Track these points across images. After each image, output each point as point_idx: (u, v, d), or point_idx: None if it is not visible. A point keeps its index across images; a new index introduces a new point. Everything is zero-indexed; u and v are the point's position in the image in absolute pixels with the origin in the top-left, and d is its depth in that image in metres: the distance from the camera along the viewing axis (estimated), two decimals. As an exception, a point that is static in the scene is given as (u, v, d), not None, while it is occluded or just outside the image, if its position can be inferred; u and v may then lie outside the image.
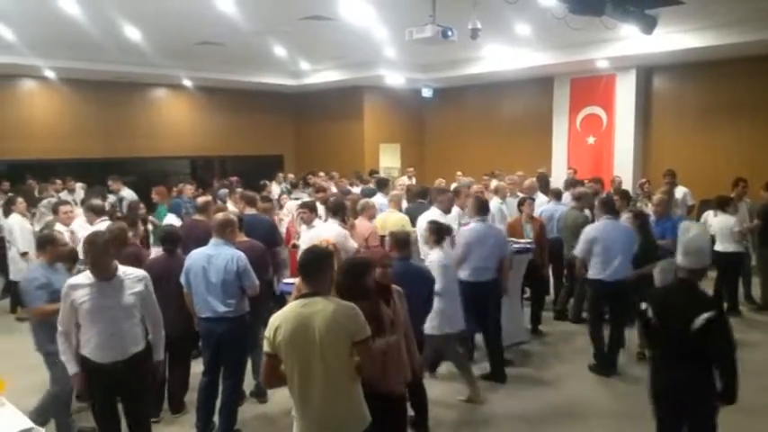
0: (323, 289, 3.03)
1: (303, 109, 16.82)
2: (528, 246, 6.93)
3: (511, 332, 6.50)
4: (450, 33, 7.55)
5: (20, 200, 8.35)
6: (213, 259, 4.66)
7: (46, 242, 4.64)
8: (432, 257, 5.17)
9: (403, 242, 4.72)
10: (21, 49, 9.84)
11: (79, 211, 7.67)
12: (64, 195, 10.33)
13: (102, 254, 3.81)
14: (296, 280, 5.25)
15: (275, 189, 12.24)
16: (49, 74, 12.27)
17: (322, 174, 12.70)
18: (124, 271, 3.89)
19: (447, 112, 15.96)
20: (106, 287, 3.78)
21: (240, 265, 4.67)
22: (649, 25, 8.36)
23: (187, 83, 14.30)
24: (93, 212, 6.68)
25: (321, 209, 7.31)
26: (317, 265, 3.07)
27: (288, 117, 17.01)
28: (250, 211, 6.78)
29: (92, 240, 3.88)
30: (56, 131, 13.01)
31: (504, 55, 12.39)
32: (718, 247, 7.45)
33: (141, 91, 14.25)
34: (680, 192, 9.49)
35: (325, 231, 5.86)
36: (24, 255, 7.72)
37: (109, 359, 3.76)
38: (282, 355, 2.93)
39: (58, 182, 11.20)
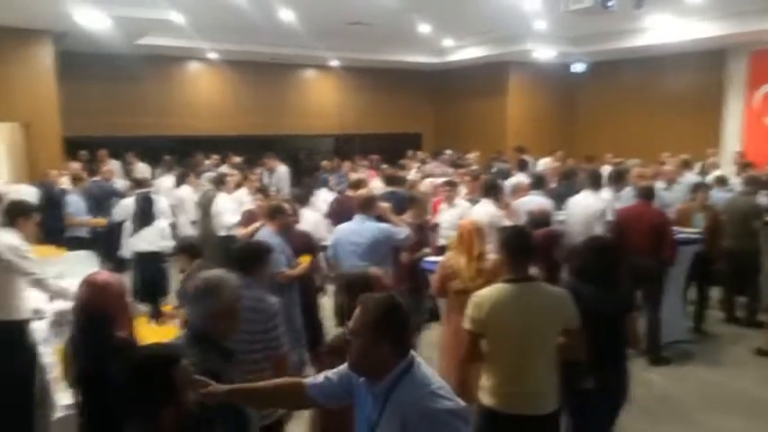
0: (530, 273, 3.07)
1: (444, 87, 16.63)
2: (694, 236, 6.27)
3: (670, 329, 5.98)
4: (610, 3, 7.02)
5: (193, 174, 9.10)
6: (359, 233, 4.83)
7: (276, 212, 4.81)
8: None
9: None
10: (189, 32, 10.60)
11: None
12: (223, 169, 11.05)
13: None
14: (438, 258, 5.24)
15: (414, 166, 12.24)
16: (213, 56, 13.18)
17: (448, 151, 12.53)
18: None
19: (599, 88, 14.95)
20: None
21: (385, 234, 4.85)
22: None
23: (334, 63, 14.70)
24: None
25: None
26: (527, 249, 3.09)
27: (428, 95, 16.94)
28: (389, 188, 6.94)
29: None
30: (216, 110, 13.99)
31: (668, 25, 11.29)
32: None
33: (293, 72, 14.89)
34: None
35: (476, 212, 5.73)
36: (194, 223, 8.31)
37: None
38: (491, 334, 3.00)
39: (216, 157, 12.01)
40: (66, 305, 4.16)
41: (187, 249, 4.52)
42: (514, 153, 12.17)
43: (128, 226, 6.77)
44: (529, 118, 15.23)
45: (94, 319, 2.63)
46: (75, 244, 6.69)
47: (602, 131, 14.66)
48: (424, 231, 5.91)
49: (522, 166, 9.29)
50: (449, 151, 12.74)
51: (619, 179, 6.86)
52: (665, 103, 13.59)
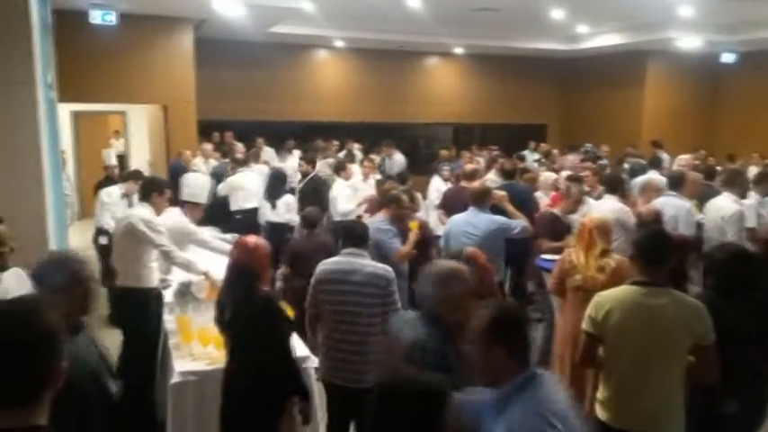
0: (663, 278, 2.81)
1: (573, 76, 15.85)
2: None
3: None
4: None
5: (319, 158, 9.41)
6: (473, 225, 4.80)
7: (391, 201, 4.93)
8: None
9: None
10: (318, 20, 10.89)
11: (356, 168, 8.37)
12: (342, 155, 11.29)
13: None
14: (556, 257, 4.99)
15: (529, 159, 11.81)
16: (339, 44, 13.47)
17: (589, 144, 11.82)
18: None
19: (751, 81, 13.50)
20: None
21: (500, 227, 4.80)
22: None
23: (457, 50, 14.50)
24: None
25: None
26: (661, 252, 2.84)
27: (556, 84, 16.23)
28: (506, 181, 6.71)
29: None
30: (340, 97, 14.29)
31: (841, 9, 9.95)
32: None
33: (416, 59, 14.85)
34: None
35: (601, 208, 5.41)
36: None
37: None
38: (609, 339, 2.79)
39: (336, 143, 12.28)
40: (189, 276, 4.42)
41: (303, 219, 5.15)
42: (649, 148, 11.38)
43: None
44: (667, 112, 14.12)
45: (244, 275, 3.01)
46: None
47: (751, 129, 13.25)
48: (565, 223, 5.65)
49: (656, 163, 8.59)
50: (589, 144, 12.15)
51: (765, 181, 6.11)
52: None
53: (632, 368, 2.74)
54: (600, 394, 2.90)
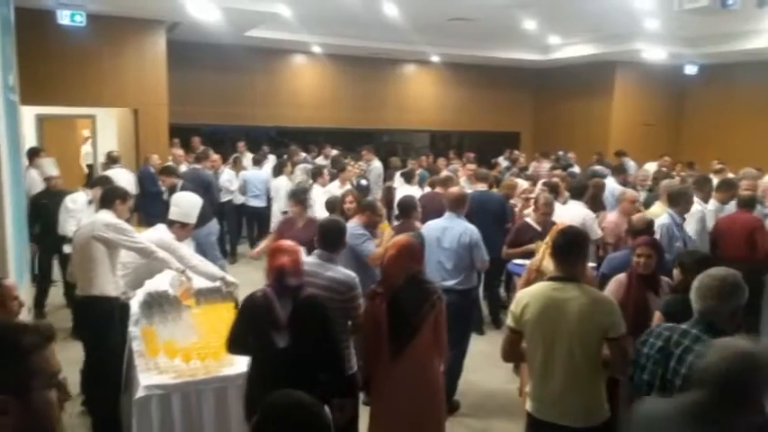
0: (576, 274, 2.91)
1: (545, 85, 16.11)
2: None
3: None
4: (730, 2, 6.53)
5: (289, 164, 9.37)
6: (447, 231, 4.82)
7: (367, 208, 5.06)
8: None
9: None
10: (295, 26, 10.82)
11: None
12: (319, 161, 11.28)
13: None
14: (526, 261, 5.06)
15: (503, 165, 11.97)
16: (316, 49, 13.38)
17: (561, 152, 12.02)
18: None
19: (712, 92, 13.94)
20: None
21: (473, 238, 4.78)
22: None
23: (434, 59, 14.61)
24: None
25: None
26: (572, 247, 2.93)
27: (528, 93, 16.48)
28: (481, 186, 6.82)
29: None
30: (317, 102, 14.20)
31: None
32: None
33: (393, 66, 14.90)
34: None
35: (567, 213, 5.50)
36: (285, 213, 8.46)
37: None
38: (527, 333, 2.91)
39: (313, 148, 12.20)
40: (156, 287, 4.29)
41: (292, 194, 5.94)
42: (615, 157, 11.64)
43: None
44: (634, 121, 14.49)
45: (292, 277, 3.07)
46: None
47: (710, 138, 13.74)
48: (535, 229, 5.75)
49: (620, 171, 8.79)
50: (561, 152, 12.37)
51: (725, 189, 6.33)
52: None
53: (543, 359, 2.86)
54: (527, 387, 3.07)
